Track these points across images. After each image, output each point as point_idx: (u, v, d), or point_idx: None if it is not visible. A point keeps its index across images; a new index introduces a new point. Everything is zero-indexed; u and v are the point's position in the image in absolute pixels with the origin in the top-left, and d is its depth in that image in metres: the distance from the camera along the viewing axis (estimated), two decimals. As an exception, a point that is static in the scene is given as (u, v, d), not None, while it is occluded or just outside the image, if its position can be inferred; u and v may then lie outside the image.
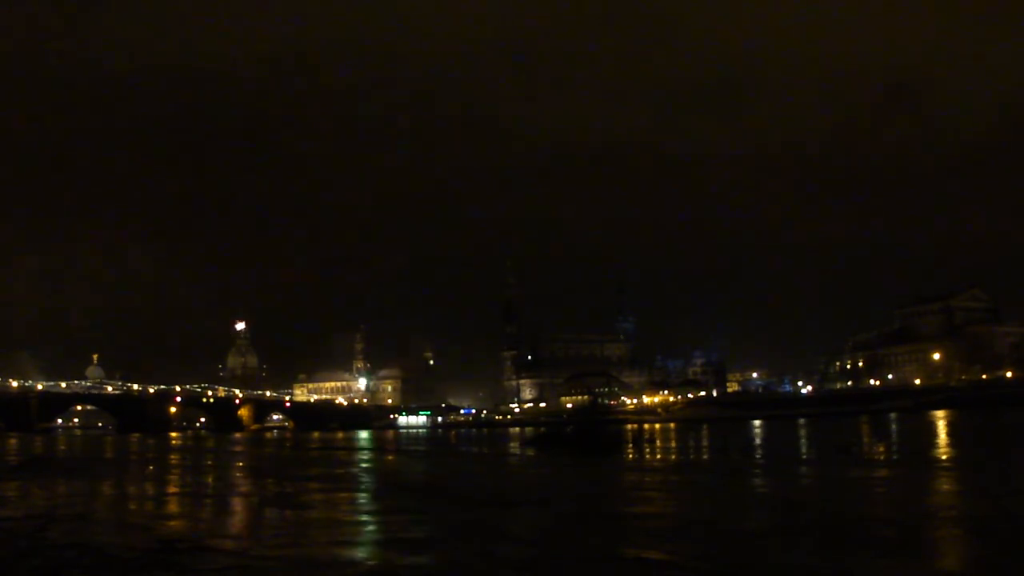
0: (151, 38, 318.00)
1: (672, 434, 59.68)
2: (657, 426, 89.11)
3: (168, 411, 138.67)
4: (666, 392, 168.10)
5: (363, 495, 17.75)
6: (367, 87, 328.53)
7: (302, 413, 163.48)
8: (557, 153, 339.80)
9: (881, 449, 32.72)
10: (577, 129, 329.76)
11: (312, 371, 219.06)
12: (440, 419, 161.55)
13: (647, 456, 31.54)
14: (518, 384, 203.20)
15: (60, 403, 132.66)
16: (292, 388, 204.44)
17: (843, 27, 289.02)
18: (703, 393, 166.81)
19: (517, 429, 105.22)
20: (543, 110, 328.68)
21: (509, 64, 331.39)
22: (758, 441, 45.11)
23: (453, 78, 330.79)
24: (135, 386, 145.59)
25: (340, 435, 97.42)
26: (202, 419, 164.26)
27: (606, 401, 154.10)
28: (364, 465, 31.06)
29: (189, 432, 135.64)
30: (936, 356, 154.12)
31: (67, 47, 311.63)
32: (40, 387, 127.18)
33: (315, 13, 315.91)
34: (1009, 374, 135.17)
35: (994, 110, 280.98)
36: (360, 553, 9.82)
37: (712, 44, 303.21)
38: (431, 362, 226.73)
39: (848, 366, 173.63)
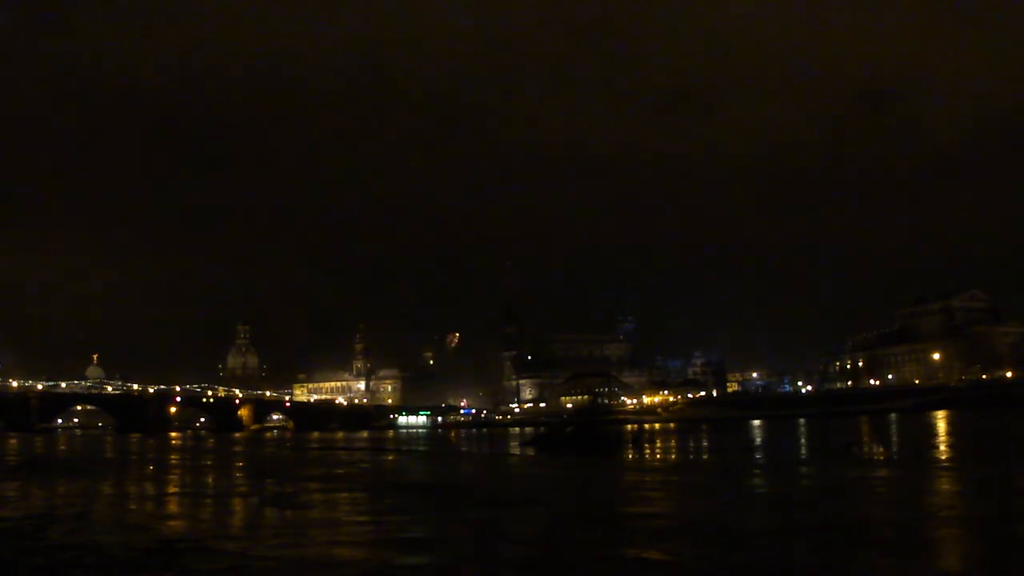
0: (150, 39, 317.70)
1: (672, 434, 59.71)
2: (657, 426, 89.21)
3: (168, 411, 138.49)
4: (666, 392, 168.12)
5: (363, 495, 17.73)
6: (364, 89, 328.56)
7: (302, 413, 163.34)
8: (557, 154, 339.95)
9: (881, 449, 32.73)
10: (576, 131, 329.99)
11: (312, 371, 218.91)
12: (440, 419, 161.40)
13: (647, 456, 31.56)
14: (518, 384, 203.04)
15: (60, 403, 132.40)
16: (292, 388, 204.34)
17: (819, 33, 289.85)
18: (703, 393, 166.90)
19: (517, 429, 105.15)
20: (542, 112, 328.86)
21: (505, 65, 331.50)
22: (758, 441, 45.14)
23: (447, 81, 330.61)
24: (135, 386, 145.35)
25: (340, 435, 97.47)
26: (202, 419, 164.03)
27: (606, 401, 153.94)
28: (364, 465, 31.03)
29: (189, 432, 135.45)
30: (936, 356, 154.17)
31: (66, 49, 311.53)
32: (40, 387, 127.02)
33: (311, 17, 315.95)
34: (1009, 374, 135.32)
35: (974, 113, 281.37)
36: (360, 553, 9.81)
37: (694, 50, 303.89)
38: (431, 362, 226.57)
39: (848, 366, 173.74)
